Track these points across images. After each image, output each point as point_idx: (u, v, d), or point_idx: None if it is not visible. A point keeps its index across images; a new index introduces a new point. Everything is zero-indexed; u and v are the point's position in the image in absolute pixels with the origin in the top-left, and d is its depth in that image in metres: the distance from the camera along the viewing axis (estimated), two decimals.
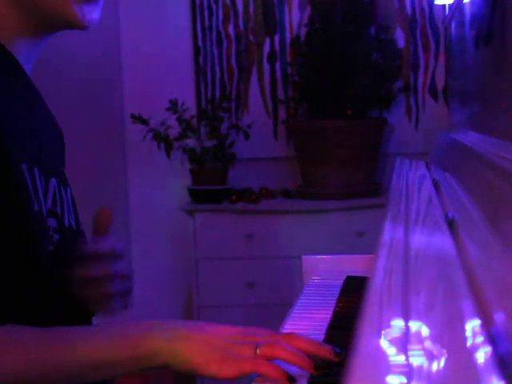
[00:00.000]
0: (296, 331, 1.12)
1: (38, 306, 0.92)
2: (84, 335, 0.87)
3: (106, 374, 0.86)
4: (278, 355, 0.84)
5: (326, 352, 0.87)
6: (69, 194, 1.05)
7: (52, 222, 0.97)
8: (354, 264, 1.54)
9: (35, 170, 0.93)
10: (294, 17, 3.30)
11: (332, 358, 0.87)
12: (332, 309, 1.21)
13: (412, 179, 1.42)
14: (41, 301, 0.93)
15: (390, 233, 0.85)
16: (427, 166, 1.65)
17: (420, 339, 0.46)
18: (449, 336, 0.46)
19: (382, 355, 0.45)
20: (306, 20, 3.23)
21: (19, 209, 0.89)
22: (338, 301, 1.27)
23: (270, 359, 0.84)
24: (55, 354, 0.83)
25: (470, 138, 1.37)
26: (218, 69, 3.36)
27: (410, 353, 0.44)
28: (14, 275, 0.88)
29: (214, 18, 3.34)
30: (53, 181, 0.98)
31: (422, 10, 3.26)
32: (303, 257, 1.57)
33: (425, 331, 0.47)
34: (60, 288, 0.96)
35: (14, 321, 0.87)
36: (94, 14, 0.99)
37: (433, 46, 3.27)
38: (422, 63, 3.28)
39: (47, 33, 1.01)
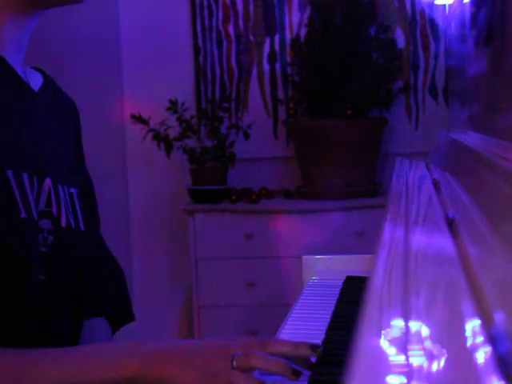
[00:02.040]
0: (296, 331, 1.12)
1: (24, 317, 0.91)
2: (62, 357, 0.86)
3: None
4: (254, 365, 0.84)
5: (304, 350, 0.87)
6: (66, 193, 1.03)
7: (46, 224, 0.95)
8: (353, 264, 1.54)
9: (24, 174, 0.92)
10: (294, 17, 3.30)
11: (311, 354, 0.87)
12: (332, 309, 1.21)
13: (412, 179, 1.42)
14: (27, 311, 0.91)
15: (390, 233, 0.85)
16: (427, 166, 1.65)
17: (420, 339, 0.46)
18: (449, 336, 0.46)
19: (382, 355, 0.45)
20: (306, 20, 3.23)
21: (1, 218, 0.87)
22: (338, 301, 1.27)
23: (247, 369, 0.84)
24: (31, 377, 0.82)
25: (470, 138, 1.37)
26: (218, 69, 3.36)
27: (409, 353, 0.44)
28: None
29: (214, 18, 3.34)
30: (47, 181, 0.97)
31: (422, 9, 3.26)
32: (303, 257, 1.57)
33: (425, 331, 0.47)
34: (53, 295, 0.95)
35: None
36: None
37: (433, 46, 3.27)
38: (422, 63, 3.28)
39: (38, 9, 0.97)
